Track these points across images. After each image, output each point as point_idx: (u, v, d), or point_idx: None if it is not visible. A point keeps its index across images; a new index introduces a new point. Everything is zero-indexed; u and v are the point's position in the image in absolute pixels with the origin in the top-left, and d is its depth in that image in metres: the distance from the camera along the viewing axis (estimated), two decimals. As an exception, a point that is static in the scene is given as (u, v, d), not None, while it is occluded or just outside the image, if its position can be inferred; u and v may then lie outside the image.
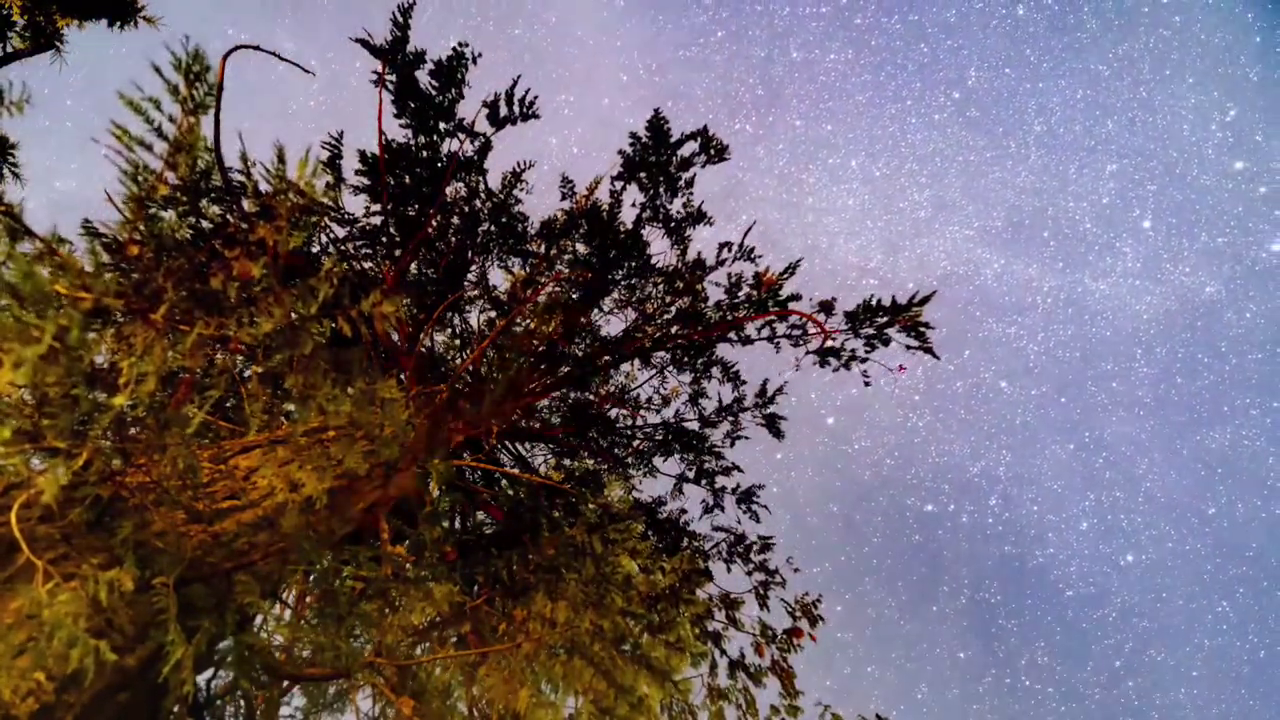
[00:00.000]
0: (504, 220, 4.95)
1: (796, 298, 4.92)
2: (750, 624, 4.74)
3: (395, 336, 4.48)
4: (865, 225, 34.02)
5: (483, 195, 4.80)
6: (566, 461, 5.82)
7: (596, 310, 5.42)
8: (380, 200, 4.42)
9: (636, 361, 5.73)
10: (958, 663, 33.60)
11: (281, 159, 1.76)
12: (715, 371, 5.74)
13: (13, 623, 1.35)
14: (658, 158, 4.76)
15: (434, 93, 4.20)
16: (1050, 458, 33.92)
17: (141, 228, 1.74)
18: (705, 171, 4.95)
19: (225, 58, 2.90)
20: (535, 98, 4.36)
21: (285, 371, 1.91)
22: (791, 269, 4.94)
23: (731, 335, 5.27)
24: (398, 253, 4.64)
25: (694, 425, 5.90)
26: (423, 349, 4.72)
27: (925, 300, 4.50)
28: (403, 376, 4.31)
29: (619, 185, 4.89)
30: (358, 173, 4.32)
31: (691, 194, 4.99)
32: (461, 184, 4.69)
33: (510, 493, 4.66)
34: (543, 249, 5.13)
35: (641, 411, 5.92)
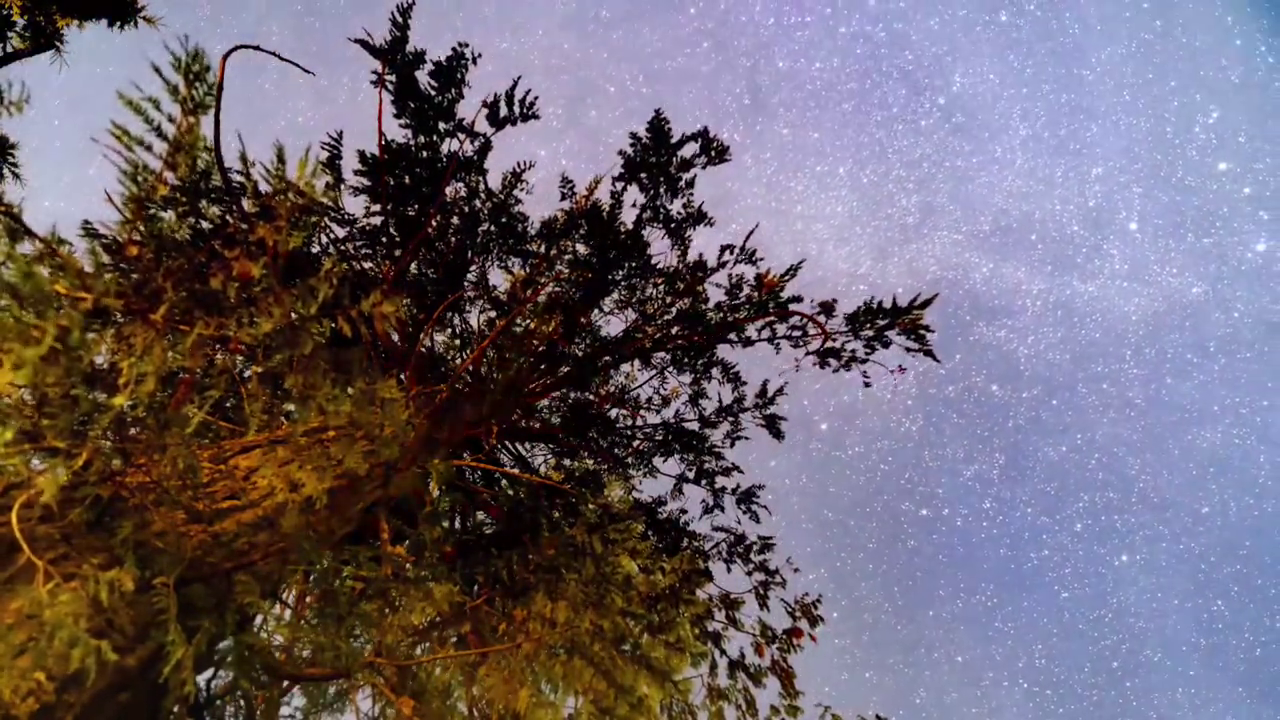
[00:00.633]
0: (504, 220, 4.95)
1: (797, 299, 4.92)
2: (750, 624, 4.74)
3: (395, 336, 4.49)
4: (854, 232, 34.29)
5: (483, 195, 4.80)
6: (566, 461, 5.83)
7: (596, 310, 5.42)
8: (380, 200, 4.42)
9: (636, 362, 5.73)
10: (955, 666, 33.66)
11: (281, 159, 1.76)
12: (715, 372, 5.74)
13: (13, 623, 1.35)
14: (658, 158, 4.76)
15: (434, 93, 4.20)
16: (1043, 460, 34.11)
17: (141, 228, 1.75)
18: (696, 179, 4.95)
19: (225, 57, 2.90)
20: (535, 98, 4.36)
21: (285, 371, 1.91)
22: (793, 270, 4.94)
23: (732, 336, 5.27)
24: (398, 253, 4.64)
25: (694, 425, 5.90)
26: (423, 349, 4.72)
27: (927, 303, 4.51)
28: (403, 376, 4.31)
29: (619, 186, 4.89)
30: (357, 173, 4.32)
31: (692, 195, 5.00)
32: (461, 184, 4.70)
33: (510, 493, 4.66)
34: (543, 249, 5.13)
35: (641, 412, 5.92)
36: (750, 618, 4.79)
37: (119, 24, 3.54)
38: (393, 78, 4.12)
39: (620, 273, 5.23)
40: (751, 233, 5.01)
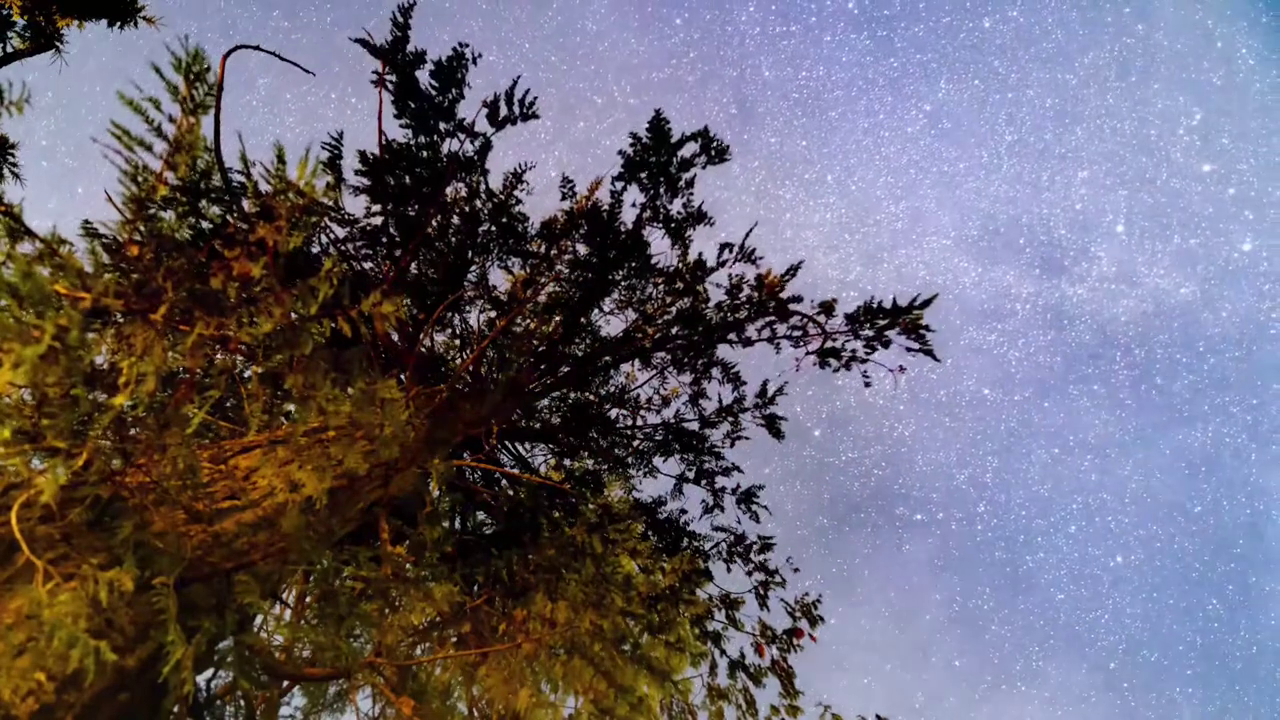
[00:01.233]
0: (504, 220, 4.95)
1: (797, 299, 4.92)
2: (750, 624, 4.75)
3: (395, 336, 4.49)
4: (844, 238, 34.51)
5: (483, 195, 4.80)
6: (566, 461, 5.83)
7: (596, 310, 5.42)
8: (380, 200, 4.42)
9: (636, 362, 5.73)
10: (953, 670, 33.70)
11: (281, 159, 1.76)
12: (715, 372, 5.74)
13: (13, 623, 1.35)
14: (658, 158, 4.76)
15: (434, 93, 4.20)
16: (1036, 462, 34.19)
17: (141, 228, 1.75)
18: (696, 178, 4.96)
19: (225, 57, 2.90)
20: (535, 98, 4.36)
21: (285, 371, 1.91)
22: (793, 271, 4.94)
23: (732, 336, 5.27)
24: (398, 253, 4.65)
25: (694, 425, 5.90)
26: (423, 349, 4.72)
27: (926, 303, 4.51)
28: (403, 376, 4.31)
29: (619, 186, 4.89)
30: (358, 173, 4.32)
31: (692, 194, 5.00)
32: (462, 184, 4.70)
33: (510, 493, 4.66)
34: (543, 249, 5.13)
35: (641, 412, 5.92)
36: (750, 618, 4.79)
37: (119, 24, 3.54)
38: (393, 77, 4.12)
39: (620, 273, 5.23)
40: (750, 232, 5.01)
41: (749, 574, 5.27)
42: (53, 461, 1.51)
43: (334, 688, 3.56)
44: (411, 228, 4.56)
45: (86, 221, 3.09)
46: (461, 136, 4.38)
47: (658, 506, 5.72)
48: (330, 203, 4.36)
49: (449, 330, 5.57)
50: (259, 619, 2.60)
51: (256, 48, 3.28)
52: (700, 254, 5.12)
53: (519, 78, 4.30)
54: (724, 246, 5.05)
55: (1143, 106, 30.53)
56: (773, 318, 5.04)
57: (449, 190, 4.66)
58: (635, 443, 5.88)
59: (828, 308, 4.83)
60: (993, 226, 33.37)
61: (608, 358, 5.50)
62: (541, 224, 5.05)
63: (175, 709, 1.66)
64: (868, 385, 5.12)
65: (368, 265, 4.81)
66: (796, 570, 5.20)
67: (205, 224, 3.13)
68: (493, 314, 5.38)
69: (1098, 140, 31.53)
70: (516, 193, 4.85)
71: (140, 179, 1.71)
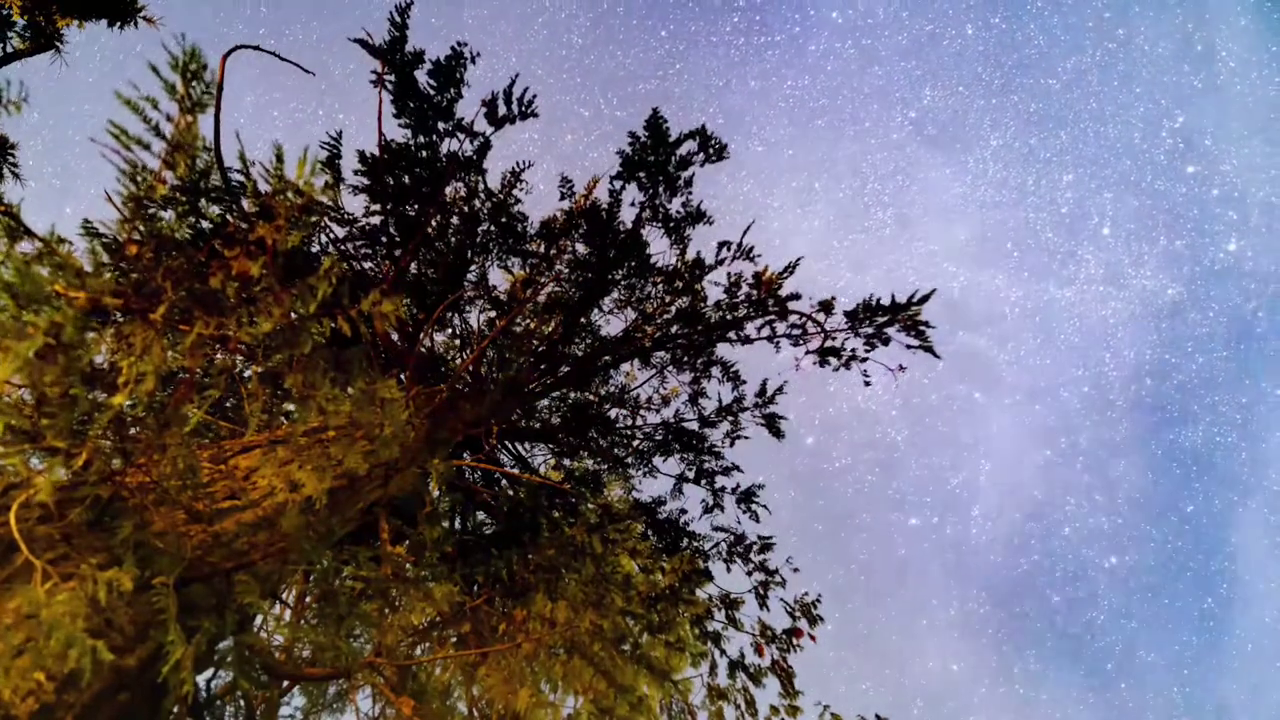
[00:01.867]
0: (503, 220, 4.95)
1: (796, 297, 4.92)
2: (750, 624, 4.74)
3: (395, 336, 4.48)
4: (832, 246, 34.84)
5: (482, 195, 4.79)
6: (566, 461, 5.82)
7: (596, 310, 5.42)
8: (380, 200, 4.42)
9: (636, 361, 5.73)
10: (951, 675, 33.80)
11: (280, 159, 1.76)
12: (715, 371, 5.73)
13: (12, 623, 1.35)
14: (656, 157, 4.76)
15: (433, 92, 4.20)
16: (1029, 465, 34.45)
17: (140, 227, 1.74)
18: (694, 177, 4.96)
19: (225, 57, 2.90)
20: (534, 96, 4.36)
21: (285, 371, 1.91)
22: (791, 268, 4.94)
23: (731, 335, 5.27)
24: (398, 253, 4.64)
25: (694, 425, 5.90)
26: (423, 349, 4.72)
27: (925, 299, 4.51)
28: (403, 376, 4.31)
29: (618, 185, 4.88)
30: (357, 173, 4.32)
31: (690, 193, 4.99)
32: (461, 184, 4.69)
33: (510, 493, 4.66)
34: (542, 249, 5.13)
35: (641, 411, 5.92)
36: (750, 618, 4.79)
37: (119, 24, 3.54)
38: (392, 77, 4.12)
39: (619, 272, 5.22)
40: (748, 229, 5.01)
41: (749, 574, 5.27)
42: (52, 461, 1.50)
43: (334, 688, 3.56)
44: (411, 227, 4.55)
45: (86, 221, 3.09)
46: (460, 136, 4.38)
47: (658, 506, 5.71)
48: (329, 202, 4.36)
49: (449, 330, 5.58)
50: (259, 619, 2.60)
51: (256, 48, 3.28)
52: (699, 253, 5.12)
53: (517, 76, 4.30)
54: (722, 244, 5.05)
55: (1125, 110, 31.06)
56: (772, 316, 5.04)
57: (448, 190, 4.65)
58: (635, 442, 5.88)
59: (827, 306, 4.83)
60: (980, 231, 33.79)
61: (607, 357, 5.50)
62: (541, 224, 5.05)
63: (175, 709, 1.66)
64: (868, 384, 5.12)
65: (367, 265, 4.81)
66: (796, 570, 5.20)
67: (205, 223, 3.13)
68: (493, 314, 5.38)
69: (1082, 144, 31.97)
70: (515, 192, 4.85)
71: (139, 178, 1.71)
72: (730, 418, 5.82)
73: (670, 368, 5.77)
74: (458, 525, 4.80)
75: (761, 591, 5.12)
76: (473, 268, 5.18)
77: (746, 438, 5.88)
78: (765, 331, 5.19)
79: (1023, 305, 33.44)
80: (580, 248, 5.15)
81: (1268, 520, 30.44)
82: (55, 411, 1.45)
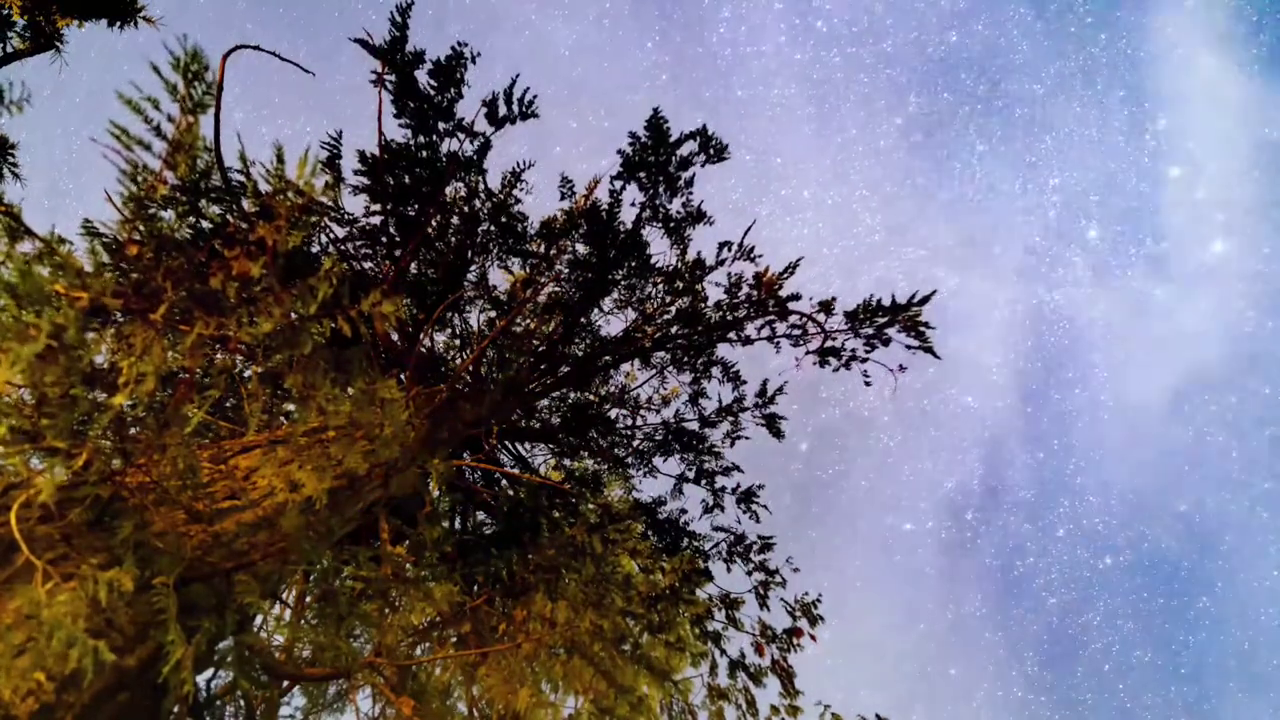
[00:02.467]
0: (504, 220, 4.95)
1: (796, 298, 4.92)
2: (750, 624, 4.74)
3: (395, 336, 4.48)
4: (822, 253, 35.11)
5: (482, 195, 4.79)
6: (566, 461, 5.82)
7: (596, 310, 5.42)
8: (380, 200, 4.42)
9: (636, 361, 5.73)
10: (950, 679, 33.83)
11: (280, 159, 1.76)
12: (715, 371, 5.73)
13: (12, 623, 1.35)
14: (657, 157, 4.76)
15: (433, 92, 4.20)
16: (1022, 467, 34.61)
17: (141, 227, 1.74)
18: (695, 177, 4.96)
19: (225, 57, 2.90)
20: (534, 96, 4.35)
21: (285, 371, 1.91)
22: (791, 268, 4.94)
23: (732, 335, 5.27)
24: (398, 253, 4.64)
25: (694, 425, 5.90)
26: (423, 349, 4.72)
27: (925, 300, 4.51)
28: (403, 376, 4.31)
29: (618, 185, 4.88)
30: (357, 173, 4.32)
31: (691, 193, 4.99)
32: (461, 184, 4.69)
33: (510, 493, 4.66)
34: (543, 249, 5.13)
35: (641, 411, 5.92)
36: (750, 618, 4.79)
37: (119, 24, 3.54)
38: (392, 77, 4.11)
39: (620, 272, 5.22)
40: (749, 229, 5.01)
41: (749, 574, 5.27)
42: (52, 461, 1.50)
43: (334, 688, 3.56)
44: (411, 227, 4.55)
45: (86, 220, 3.09)
46: (461, 136, 4.38)
47: (658, 506, 5.71)
48: (329, 202, 4.35)
49: (449, 330, 5.57)
50: (259, 619, 2.60)
51: (256, 47, 3.28)
52: (699, 253, 5.12)
53: (517, 76, 4.30)
54: (723, 245, 5.05)
55: (1108, 114, 31.39)
56: (772, 316, 5.04)
57: (448, 190, 4.65)
58: (635, 442, 5.88)
59: (827, 306, 4.83)
60: (968, 235, 34.02)
61: (607, 357, 5.50)
62: (541, 224, 5.05)
63: (175, 709, 1.66)
64: (868, 384, 5.12)
65: (367, 265, 4.81)
66: (796, 570, 5.20)
67: (205, 223, 3.13)
68: (493, 314, 5.38)
69: (1067, 148, 32.27)
70: (515, 192, 4.85)
71: (140, 178, 1.71)
72: (730, 418, 5.82)
73: (670, 368, 5.77)
74: (458, 525, 4.80)
75: (761, 591, 5.12)
76: (473, 268, 5.18)
77: (747, 438, 5.88)
78: (765, 332, 5.19)
79: (1012, 308, 33.83)
80: (580, 248, 5.15)
81: (1261, 518, 30.60)
82: (55, 412, 1.45)
